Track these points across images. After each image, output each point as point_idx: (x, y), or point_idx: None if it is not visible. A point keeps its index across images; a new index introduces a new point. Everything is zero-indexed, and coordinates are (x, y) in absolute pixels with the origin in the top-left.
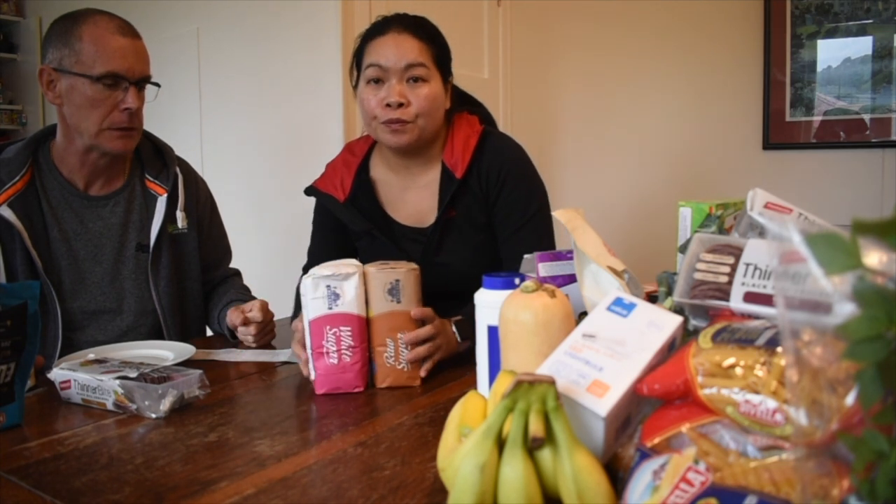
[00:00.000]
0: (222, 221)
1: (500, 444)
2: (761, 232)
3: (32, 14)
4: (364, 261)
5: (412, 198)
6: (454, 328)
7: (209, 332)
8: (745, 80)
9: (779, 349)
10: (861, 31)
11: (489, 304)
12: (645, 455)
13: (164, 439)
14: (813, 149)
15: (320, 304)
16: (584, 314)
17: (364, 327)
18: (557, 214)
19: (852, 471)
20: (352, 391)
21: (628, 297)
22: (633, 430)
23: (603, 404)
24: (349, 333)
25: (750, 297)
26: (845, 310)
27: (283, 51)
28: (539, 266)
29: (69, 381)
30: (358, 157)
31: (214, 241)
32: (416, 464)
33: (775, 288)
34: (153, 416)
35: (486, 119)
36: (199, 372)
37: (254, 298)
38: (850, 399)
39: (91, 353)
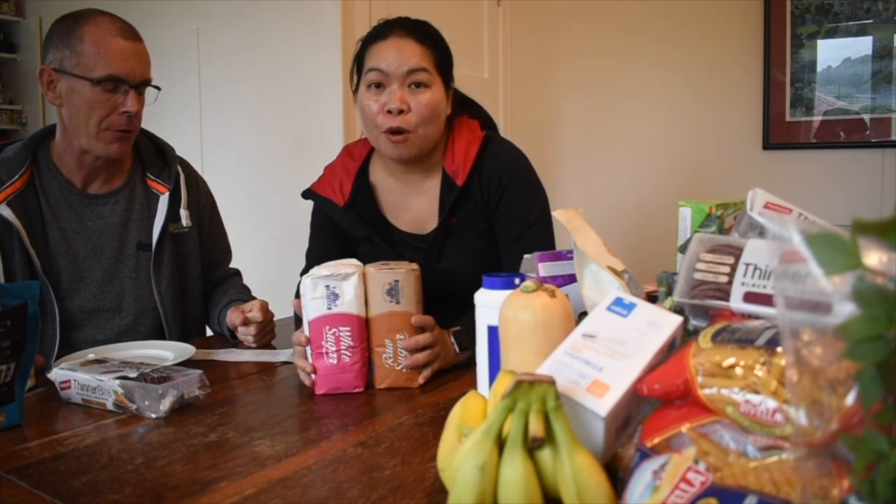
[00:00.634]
0: (222, 221)
1: (500, 444)
2: (761, 232)
3: (32, 14)
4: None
5: (412, 203)
6: (453, 339)
7: (209, 332)
8: (745, 80)
9: (779, 349)
10: (861, 31)
11: (489, 304)
12: (645, 455)
13: (164, 439)
14: (813, 149)
15: (319, 304)
16: (584, 314)
17: (364, 327)
18: (557, 214)
19: (852, 471)
20: (351, 391)
21: (628, 297)
22: (633, 430)
23: (603, 404)
24: (348, 334)
25: (750, 297)
26: (845, 310)
27: (283, 51)
28: (539, 266)
29: (69, 381)
30: (357, 161)
31: (214, 240)
32: (416, 464)
33: (775, 288)
34: (153, 416)
35: (487, 123)
36: (199, 372)
37: (254, 298)
38: (850, 399)
39: (91, 353)
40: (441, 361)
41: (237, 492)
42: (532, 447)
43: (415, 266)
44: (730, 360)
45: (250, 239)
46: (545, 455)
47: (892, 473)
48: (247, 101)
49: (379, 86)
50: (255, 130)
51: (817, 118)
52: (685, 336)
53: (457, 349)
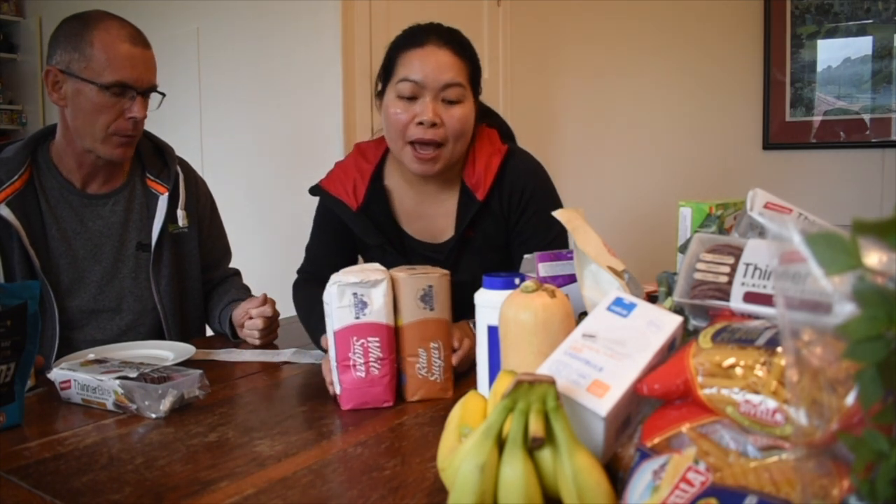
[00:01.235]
0: (222, 221)
1: (500, 444)
2: (761, 232)
3: (32, 14)
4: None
5: (427, 212)
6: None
7: (209, 332)
8: (745, 80)
9: (779, 349)
10: (861, 31)
11: (489, 304)
12: (645, 455)
13: (164, 439)
14: (813, 149)
15: (346, 313)
16: (584, 314)
17: (393, 337)
18: (557, 214)
19: (852, 471)
20: (380, 406)
21: (628, 297)
22: (633, 430)
23: (603, 404)
24: (377, 344)
25: (750, 297)
26: (845, 310)
27: (283, 51)
28: (539, 266)
29: (69, 381)
30: (371, 163)
31: (214, 240)
32: (416, 464)
33: (775, 288)
34: (153, 416)
35: (506, 133)
36: (199, 372)
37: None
38: (850, 399)
39: (91, 353)
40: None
41: (237, 492)
42: (532, 447)
43: (446, 272)
44: (730, 360)
45: (250, 239)
46: (545, 455)
47: (892, 473)
48: (247, 101)
49: (411, 97)
50: (254, 130)
51: (817, 118)
52: (685, 336)
53: None
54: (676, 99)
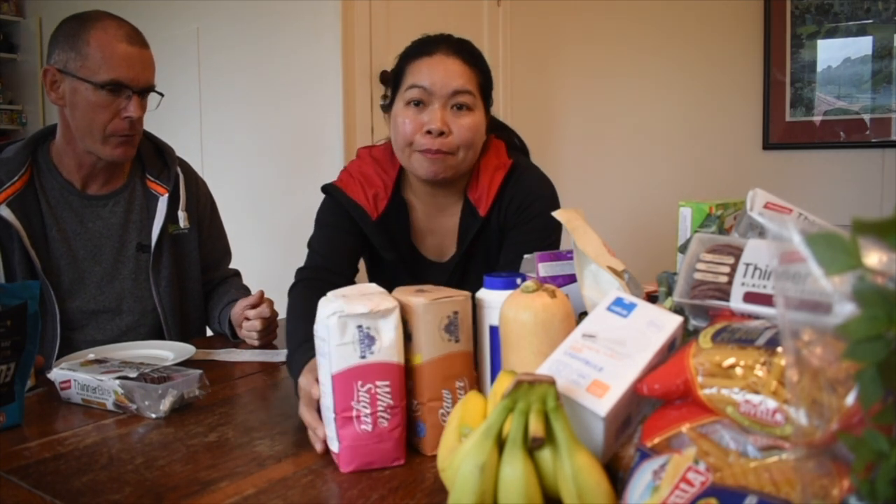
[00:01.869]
0: (222, 222)
1: (500, 444)
2: (761, 232)
3: (32, 14)
4: (371, 279)
5: (436, 228)
6: None
7: (209, 332)
8: (745, 80)
9: (779, 349)
10: (861, 31)
11: (491, 303)
12: (645, 455)
13: (164, 439)
14: (813, 149)
15: (349, 351)
16: (584, 314)
17: (404, 379)
18: (557, 215)
19: (852, 471)
20: (389, 465)
21: (628, 297)
22: (633, 430)
23: (603, 404)
24: (387, 390)
25: (750, 298)
26: (845, 310)
27: (283, 51)
28: (539, 266)
29: (69, 381)
30: (392, 176)
31: (214, 241)
32: (416, 464)
33: (775, 288)
34: (153, 416)
35: (516, 146)
36: (199, 372)
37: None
38: (850, 399)
39: (91, 353)
40: None
41: (237, 492)
42: (532, 447)
43: (466, 293)
44: (730, 360)
45: (250, 239)
46: (545, 455)
47: (892, 473)
48: (246, 101)
49: (419, 104)
50: (254, 130)
51: (817, 118)
52: (685, 336)
53: None
54: (676, 99)
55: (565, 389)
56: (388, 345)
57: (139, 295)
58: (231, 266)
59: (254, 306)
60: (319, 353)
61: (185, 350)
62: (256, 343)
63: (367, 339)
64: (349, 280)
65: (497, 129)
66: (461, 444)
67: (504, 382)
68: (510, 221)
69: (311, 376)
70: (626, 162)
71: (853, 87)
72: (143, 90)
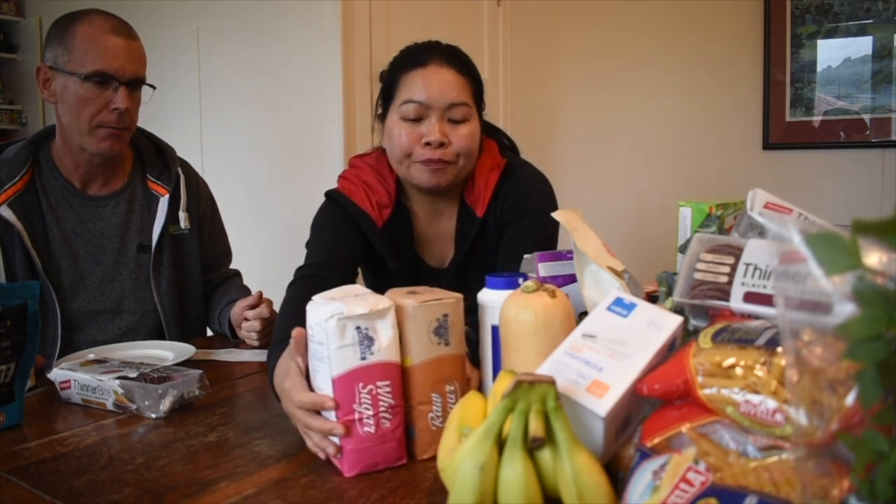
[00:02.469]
0: (222, 222)
1: (500, 444)
2: (761, 232)
3: (32, 14)
4: (366, 284)
5: (436, 234)
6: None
7: (209, 332)
8: (745, 80)
9: (779, 349)
10: (861, 31)
11: (492, 303)
12: (645, 455)
13: (164, 439)
14: (813, 149)
15: (349, 353)
16: (584, 314)
17: (401, 378)
18: (556, 215)
19: (852, 471)
20: (393, 466)
21: (628, 297)
22: (633, 430)
23: (603, 404)
24: (388, 390)
25: (750, 297)
26: (845, 310)
27: (283, 51)
28: (539, 266)
29: (69, 381)
30: (392, 185)
31: (215, 241)
32: (415, 464)
33: (775, 288)
34: (153, 416)
35: (507, 145)
36: (199, 372)
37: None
38: (850, 399)
39: (91, 354)
40: None
41: (237, 492)
42: (532, 447)
43: (458, 295)
44: (730, 360)
45: (250, 239)
46: (545, 455)
47: (892, 473)
48: (247, 101)
49: (416, 118)
50: (254, 130)
51: (817, 118)
52: (685, 336)
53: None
54: (677, 98)
55: (565, 389)
56: (386, 344)
57: (139, 295)
58: (231, 266)
59: (253, 307)
60: (315, 356)
61: (185, 350)
62: (256, 343)
63: (367, 340)
64: (350, 280)
65: (487, 130)
66: (461, 444)
67: (504, 382)
68: (507, 218)
69: (299, 382)
70: (626, 162)
71: (853, 87)
72: (131, 82)
